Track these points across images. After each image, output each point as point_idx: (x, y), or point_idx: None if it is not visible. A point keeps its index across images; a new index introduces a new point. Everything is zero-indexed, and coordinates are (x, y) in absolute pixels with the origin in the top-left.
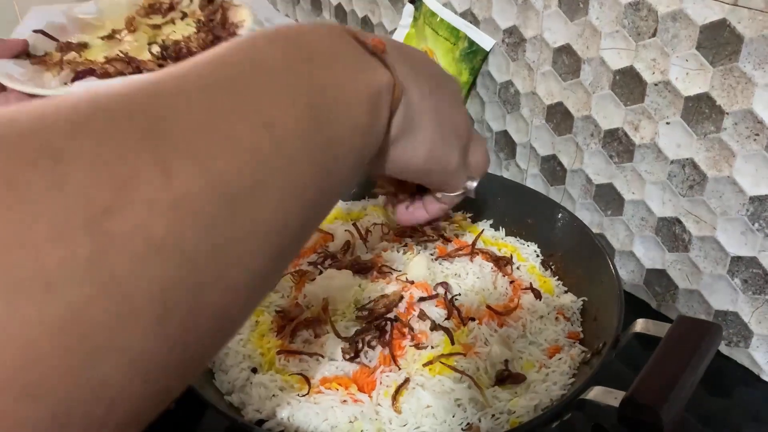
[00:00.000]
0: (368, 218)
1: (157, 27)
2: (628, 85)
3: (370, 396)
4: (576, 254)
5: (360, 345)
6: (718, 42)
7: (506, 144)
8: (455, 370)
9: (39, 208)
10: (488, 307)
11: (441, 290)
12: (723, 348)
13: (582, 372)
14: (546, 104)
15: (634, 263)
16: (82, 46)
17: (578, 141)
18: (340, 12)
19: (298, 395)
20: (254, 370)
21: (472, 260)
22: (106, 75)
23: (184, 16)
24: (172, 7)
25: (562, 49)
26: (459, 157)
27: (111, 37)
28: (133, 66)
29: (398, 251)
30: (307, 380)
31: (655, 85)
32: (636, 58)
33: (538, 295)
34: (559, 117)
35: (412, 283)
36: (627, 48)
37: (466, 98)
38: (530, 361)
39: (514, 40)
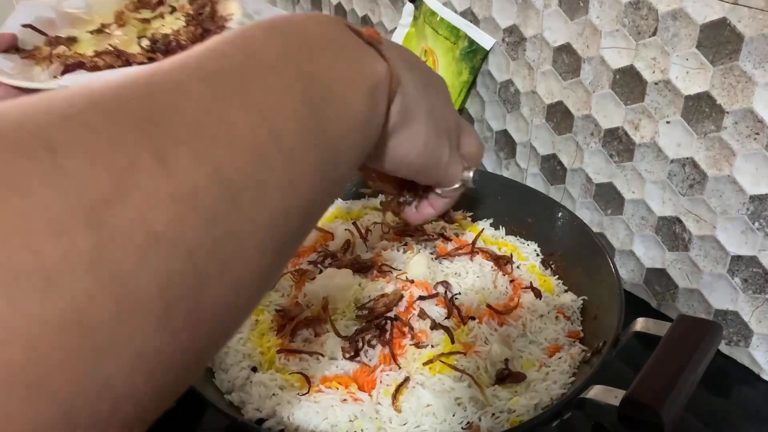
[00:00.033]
0: (368, 217)
1: (146, 21)
2: (629, 84)
3: (370, 395)
4: (576, 253)
5: (360, 344)
6: (719, 41)
7: (506, 143)
8: (455, 369)
9: (37, 201)
10: (488, 306)
11: (441, 289)
12: (723, 347)
13: (582, 371)
14: (546, 103)
15: (634, 262)
16: (72, 41)
17: (578, 140)
18: (340, 11)
19: (298, 394)
20: (254, 369)
21: (472, 259)
22: (95, 68)
23: (173, 10)
24: (161, 2)
25: (562, 48)
26: (450, 150)
27: (100, 31)
28: (123, 59)
29: (398, 250)
30: (307, 379)
31: (656, 84)
32: (636, 57)
33: (538, 294)
34: (559, 116)
35: (412, 282)
36: (627, 47)
37: (466, 97)
38: (530, 360)
39: (514, 39)
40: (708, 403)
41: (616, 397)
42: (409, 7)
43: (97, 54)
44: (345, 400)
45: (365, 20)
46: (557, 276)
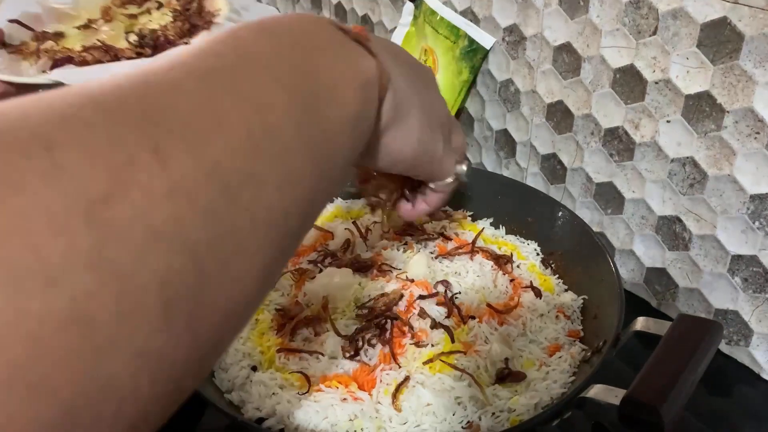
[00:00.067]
0: (368, 216)
1: (133, 17)
2: (629, 83)
3: (370, 394)
4: (576, 253)
5: (360, 343)
6: (719, 40)
7: (506, 142)
8: (455, 368)
9: (36, 200)
10: (488, 305)
11: (441, 288)
12: (723, 347)
13: (582, 370)
14: (546, 103)
15: (635, 262)
16: (59, 36)
17: (578, 139)
18: (340, 10)
19: (298, 393)
20: (254, 369)
21: (472, 258)
22: (84, 63)
23: (160, 5)
24: None
25: (562, 48)
26: (444, 143)
27: (87, 26)
28: (111, 54)
29: (398, 249)
30: (307, 378)
31: (656, 83)
32: (636, 57)
33: (538, 293)
34: (559, 115)
35: (412, 281)
36: (627, 46)
37: (466, 97)
38: (530, 359)
39: (514, 38)
40: (708, 403)
41: (617, 397)
42: (409, 7)
43: (86, 49)
44: (345, 399)
45: (365, 19)
46: (557, 275)
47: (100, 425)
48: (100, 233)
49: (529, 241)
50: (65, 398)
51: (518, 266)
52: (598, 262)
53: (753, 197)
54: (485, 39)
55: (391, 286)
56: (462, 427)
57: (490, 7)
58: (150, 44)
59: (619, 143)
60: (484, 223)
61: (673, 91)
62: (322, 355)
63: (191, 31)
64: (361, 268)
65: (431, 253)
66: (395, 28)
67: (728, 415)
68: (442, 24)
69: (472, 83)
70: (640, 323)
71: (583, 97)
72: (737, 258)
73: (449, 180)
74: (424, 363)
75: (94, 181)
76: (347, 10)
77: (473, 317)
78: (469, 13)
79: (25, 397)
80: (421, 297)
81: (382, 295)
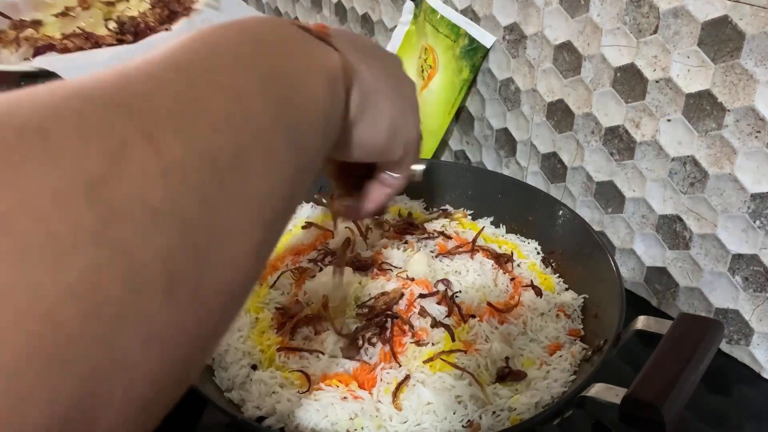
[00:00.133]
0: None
1: (110, 4)
2: (629, 82)
3: (370, 393)
4: (577, 252)
5: (360, 342)
6: (720, 39)
7: (507, 141)
8: (456, 367)
9: (39, 179)
10: (489, 304)
11: (441, 287)
12: (724, 346)
13: (583, 369)
14: (546, 101)
15: (635, 261)
16: (37, 24)
17: (579, 138)
18: (340, 9)
19: (298, 392)
20: (254, 367)
21: (472, 257)
22: (65, 50)
23: None
24: None
25: (562, 46)
26: (418, 125)
27: (65, 14)
28: (92, 41)
29: (398, 248)
30: (308, 377)
31: (656, 82)
32: (637, 55)
33: (538, 292)
34: (559, 114)
35: (413, 280)
36: (628, 45)
37: (467, 96)
38: (531, 358)
39: (514, 37)
40: (709, 402)
41: (617, 396)
42: (409, 5)
43: (66, 36)
44: (345, 398)
45: (365, 18)
46: (558, 274)
47: (113, 400)
48: (101, 211)
49: (529, 240)
50: (81, 371)
51: (519, 265)
52: (598, 261)
53: (754, 196)
54: (485, 38)
55: (391, 284)
56: (462, 426)
57: (490, 6)
58: (131, 31)
59: (619, 142)
60: (485, 222)
61: (673, 90)
62: (323, 353)
63: (170, 17)
64: (362, 267)
65: (431, 251)
66: (395, 26)
67: (729, 414)
68: (443, 22)
69: (473, 82)
70: (641, 322)
71: (584, 95)
72: (738, 257)
73: (405, 173)
74: (425, 362)
75: (91, 162)
76: (347, 9)
77: (474, 316)
78: (469, 12)
79: (43, 370)
80: (422, 296)
81: (383, 293)
